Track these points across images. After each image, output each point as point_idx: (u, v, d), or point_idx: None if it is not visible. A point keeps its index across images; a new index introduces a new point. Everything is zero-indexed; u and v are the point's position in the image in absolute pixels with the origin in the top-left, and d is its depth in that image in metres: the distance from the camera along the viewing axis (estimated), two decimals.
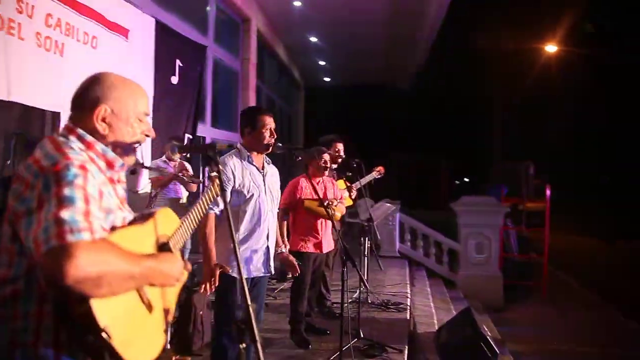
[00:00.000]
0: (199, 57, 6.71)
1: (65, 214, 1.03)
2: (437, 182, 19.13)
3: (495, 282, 7.27)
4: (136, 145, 1.40)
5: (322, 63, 13.87)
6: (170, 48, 5.95)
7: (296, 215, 3.80)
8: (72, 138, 1.26)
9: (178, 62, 6.14)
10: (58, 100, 4.04)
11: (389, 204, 5.92)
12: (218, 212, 2.53)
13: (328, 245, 3.95)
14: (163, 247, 1.41)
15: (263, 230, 2.65)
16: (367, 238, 4.81)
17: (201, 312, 3.43)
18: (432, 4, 9.55)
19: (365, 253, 4.88)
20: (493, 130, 19.11)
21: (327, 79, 15.73)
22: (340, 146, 4.69)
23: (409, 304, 4.95)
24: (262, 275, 2.68)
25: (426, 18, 10.27)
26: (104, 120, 1.30)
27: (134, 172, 4.94)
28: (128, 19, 5.01)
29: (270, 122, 2.68)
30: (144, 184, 5.21)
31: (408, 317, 4.47)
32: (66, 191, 1.07)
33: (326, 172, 3.96)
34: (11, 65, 3.55)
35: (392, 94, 15.92)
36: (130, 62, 5.03)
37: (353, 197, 4.73)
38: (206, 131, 7.56)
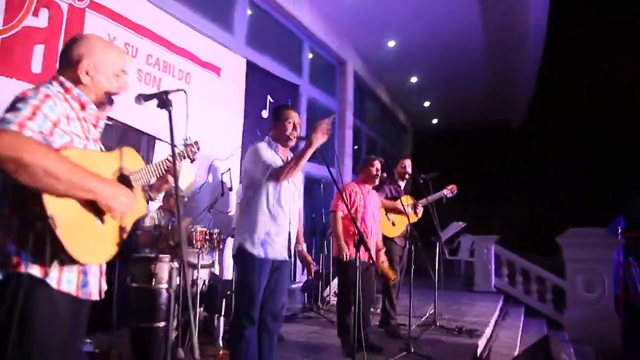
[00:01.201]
0: (290, 94, 7.28)
1: (7, 115, 1.35)
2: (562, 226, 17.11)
3: (610, 324, 6.16)
4: (113, 95, 1.68)
5: (426, 104, 13.83)
6: (262, 85, 6.57)
7: (343, 220, 3.80)
8: (55, 83, 1.58)
9: (269, 98, 6.73)
10: (154, 126, 4.75)
11: (458, 223, 5.55)
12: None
13: (373, 251, 3.85)
14: (123, 178, 1.64)
15: (286, 215, 2.76)
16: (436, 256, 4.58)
17: None
18: (529, 37, 9.17)
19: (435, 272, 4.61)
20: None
21: (434, 121, 15.54)
22: (407, 162, 4.70)
23: (487, 333, 4.50)
24: (282, 259, 2.76)
25: (527, 50, 9.83)
26: (87, 73, 1.61)
27: (222, 194, 5.53)
28: (220, 59, 5.72)
29: (294, 117, 2.85)
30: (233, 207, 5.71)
31: (479, 344, 4.06)
32: (20, 104, 1.40)
33: (376, 181, 3.96)
34: (115, 96, 4.30)
35: (506, 132, 15.06)
36: (222, 95, 5.68)
37: (419, 213, 4.61)
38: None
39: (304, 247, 3.09)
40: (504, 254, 7.45)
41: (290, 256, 2.81)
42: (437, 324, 4.57)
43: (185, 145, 2.20)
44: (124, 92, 1.75)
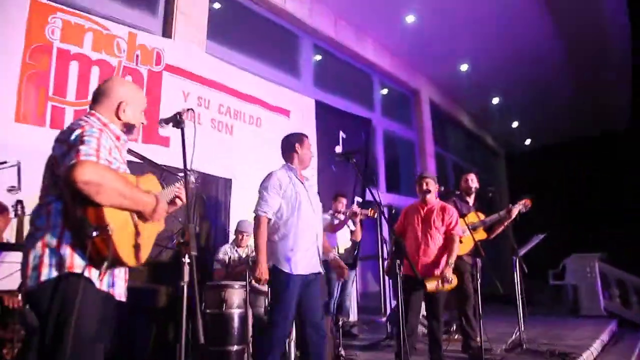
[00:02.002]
0: (363, 128, 7.36)
1: (81, 147, 1.64)
2: None
3: None
4: (137, 126, 2.04)
5: (515, 125, 13.09)
6: (333, 122, 6.75)
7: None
8: (93, 119, 1.86)
9: (341, 134, 6.88)
10: (230, 169, 5.08)
11: (538, 236, 5.00)
12: (271, 216, 2.90)
13: (429, 269, 3.70)
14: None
15: (312, 231, 2.97)
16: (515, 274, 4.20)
17: None
18: (611, 35, 8.42)
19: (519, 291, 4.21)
20: None
21: (527, 142, 14.59)
22: (470, 177, 4.51)
23: (585, 356, 3.94)
24: (315, 272, 2.94)
25: (612, 49, 9.01)
26: (124, 111, 1.93)
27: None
28: (289, 102, 6.02)
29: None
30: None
31: None
32: (86, 138, 1.69)
33: (427, 197, 3.82)
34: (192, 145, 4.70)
35: (610, 140, 13.57)
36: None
37: (480, 231, 4.36)
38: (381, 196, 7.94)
39: (334, 254, 3.21)
40: (612, 273, 6.56)
41: (320, 270, 2.99)
42: (524, 347, 4.12)
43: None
44: (143, 124, 2.11)
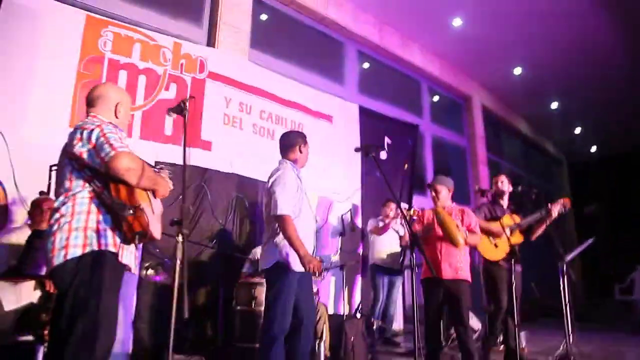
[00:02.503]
0: (410, 134, 7.23)
1: (112, 142, 1.92)
2: None
3: None
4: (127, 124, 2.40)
5: (578, 131, 12.33)
6: (378, 128, 6.68)
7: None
8: (95, 119, 2.09)
9: (387, 140, 6.79)
10: (331, 189, 5.19)
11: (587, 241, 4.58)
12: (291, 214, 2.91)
13: (451, 271, 3.55)
14: None
15: (311, 231, 3.08)
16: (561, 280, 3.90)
17: (352, 339, 3.46)
18: None
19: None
20: None
21: (593, 149, 13.67)
22: (500, 179, 4.33)
23: None
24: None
25: None
26: (119, 111, 2.22)
27: (343, 234, 5.63)
28: (331, 108, 6.04)
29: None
30: None
31: None
32: (108, 134, 1.96)
33: (438, 202, 3.73)
34: (233, 148, 4.82)
35: None
36: (334, 140, 5.93)
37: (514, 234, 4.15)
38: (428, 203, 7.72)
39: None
40: None
41: None
42: (572, 359, 3.79)
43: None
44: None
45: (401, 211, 5.26)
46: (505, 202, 4.32)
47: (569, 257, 3.85)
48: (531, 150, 12.29)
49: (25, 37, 3.91)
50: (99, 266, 1.85)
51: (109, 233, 1.90)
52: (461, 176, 8.96)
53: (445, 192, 3.74)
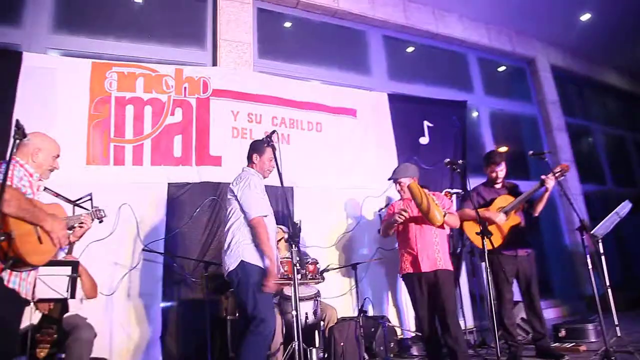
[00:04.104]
0: (456, 113, 6.68)
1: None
2: None
3: None
4: (49, 171, 2.60)
5: None
6: (415, 113, 6.30)
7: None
8: (14, 161, 2.27)
9: (426, 123, 6.37)
10: (290, 177, 5.13)
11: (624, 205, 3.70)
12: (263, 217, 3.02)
13: (430, 262, 3.25)
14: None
15: (274, 235, 3.18)
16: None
17: (342, 344, 3.26)
18: None
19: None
20: None
21: None
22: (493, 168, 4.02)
23: None
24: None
25: None
26: (37, 155, 2.47)
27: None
28: (354, 101, 5.83)
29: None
30: None
31: None
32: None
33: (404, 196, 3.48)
34: (244, 159, 4.87)
35: None
36: (360, 134, 5.71)
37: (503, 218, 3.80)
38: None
39: None
40: None
41: None
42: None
43: (95, 210, 2.97)
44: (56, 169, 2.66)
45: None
46: (499, 184, 3.98)
47: (598, 229, 3.23)
48: (631, 106, 10.54)
49: (43, 92, 4.40)
50: None
51: None
52: (536, 147, 8.02)
53: (409, 182, 3.45)
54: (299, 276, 3.71)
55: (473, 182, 6.40)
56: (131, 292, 4.18)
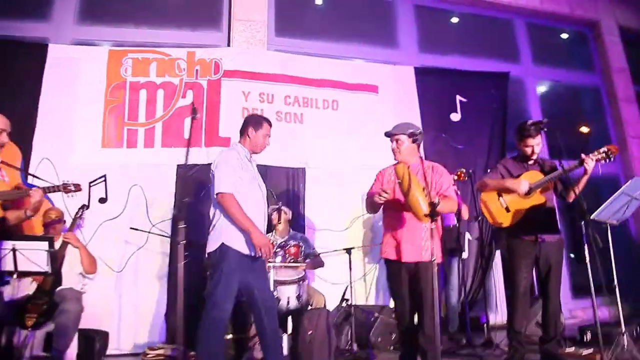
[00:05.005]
0: (496, 86, 6.15)
1: None
2: None
3: None
4: None
5: None
6: (446, 87, 5.89)
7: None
8: None
9: (459, 98, 5.94)
10: (302, 158, 5.05)
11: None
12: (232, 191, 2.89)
13: (414, 252, 2.91)
14: None
15: (262, 215, 3.06)
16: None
17: (310, 332, 3.15)
18: None
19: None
20: None
21: None
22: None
23: None
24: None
25: None
26: None
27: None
28: (376, 77, 5.57)
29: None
30: None
31: None
32: None
33: (399, 157, 3.13)
34: None
35: None
36: (381, 110, 5.44)
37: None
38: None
39: None
40: None
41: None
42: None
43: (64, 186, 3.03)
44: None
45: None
46: (532, 160, 3.45)
47: (599, 213, 2.78)
48: None
49: (65, 81, 4.71)
50: None
51: None
52: (599, 121, 7.18)
53: (408, 144, 3.07)
54: (279, 259, 3.64)
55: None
56: (139, 270, 4.38)
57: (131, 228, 4.10)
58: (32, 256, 2.92)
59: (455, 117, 5.88)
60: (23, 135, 4.43)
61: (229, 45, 5.30)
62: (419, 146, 3.15)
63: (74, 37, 5.07)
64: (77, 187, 3.19)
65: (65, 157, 4.52)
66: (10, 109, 4.47)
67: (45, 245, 2.95)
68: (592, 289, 2.55)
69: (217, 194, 2.90)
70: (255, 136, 3.15)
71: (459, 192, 4.49)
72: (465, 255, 4.78)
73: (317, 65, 5.36)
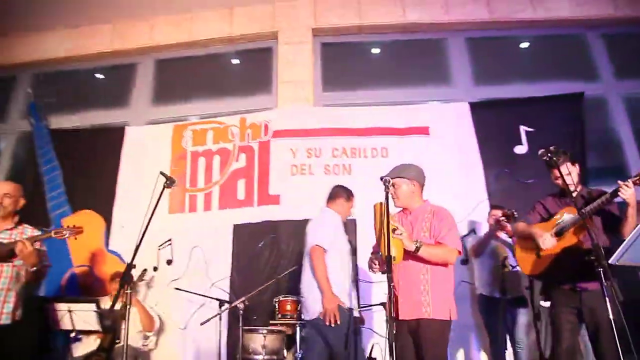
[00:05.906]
0: (567, 109, 5.61)
1: None
2: None
3: None
4: None
5: None
6: (508, 118, 5.53)
7: None
8: None
9: (523, 129, 5.52)
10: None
11: None
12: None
13: (410, 308, 2.62)
14: None
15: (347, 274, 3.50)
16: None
17: None
18: None
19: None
20: None
21: None
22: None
23: None
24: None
25: None
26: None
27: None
28: (426, 117, 5.43)
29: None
30: None
31: None
32: None
33: (397, 204, 2.90)
34: (303, 194, 4.97)
35: None
36: (432, 152, 5.24)
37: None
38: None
39: None
40: None
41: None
42: None
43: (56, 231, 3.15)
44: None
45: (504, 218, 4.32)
46: (575, 192, 3.00)
47: (619, 256, 2.35)
48: None
49: (139, 156, 5.36)
50: None
51: None
52: None
53: (406, 187, 2.86)
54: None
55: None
56: (201, 327, 4.66)
57: (176, 289, 4.42)
58: (85, 317, 3.32)
59: (521, 149, 5.44)
60: (104, 206, 5.12)
61: (277, 106, 5.60)
62: (422, 188, 2.94)
63: (147, 118, 5.79)
64: (78, 229, 3.21)
65: (137, 224, 5.06)
66: (96, 185, 5.27)
67: (93, 306, 3.35)
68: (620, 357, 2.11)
69: (309, 246, 3.36)
70: (346, 206, 3.67)
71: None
72: (544, 303, 4.31)
73: (364, 115, 5.40)
